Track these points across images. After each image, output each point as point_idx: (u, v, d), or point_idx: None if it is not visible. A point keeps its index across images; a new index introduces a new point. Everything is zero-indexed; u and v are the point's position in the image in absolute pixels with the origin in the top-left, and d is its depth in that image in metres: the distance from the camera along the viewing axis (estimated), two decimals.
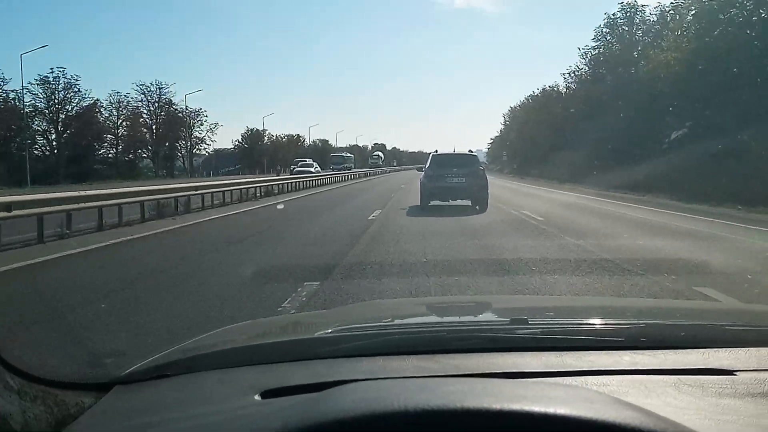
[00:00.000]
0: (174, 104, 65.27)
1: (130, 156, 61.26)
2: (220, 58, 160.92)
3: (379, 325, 1.51)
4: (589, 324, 1.43)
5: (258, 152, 79.50)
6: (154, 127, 65.40)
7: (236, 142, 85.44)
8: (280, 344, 1.36)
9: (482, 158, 20.31)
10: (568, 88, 52.82)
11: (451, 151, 18.73)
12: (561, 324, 1.48)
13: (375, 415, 0.66)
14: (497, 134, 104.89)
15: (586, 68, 47.75)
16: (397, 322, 1.65)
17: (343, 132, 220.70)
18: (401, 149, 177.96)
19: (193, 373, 1.14)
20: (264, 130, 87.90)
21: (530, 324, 1.35)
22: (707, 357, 1.14)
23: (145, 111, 64.78)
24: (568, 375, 1.05)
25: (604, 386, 0.98)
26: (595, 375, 1.04)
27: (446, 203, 15.31)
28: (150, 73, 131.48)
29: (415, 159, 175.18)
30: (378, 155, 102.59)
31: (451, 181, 15.84)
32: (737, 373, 1.06)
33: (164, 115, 65.26)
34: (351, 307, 3.21)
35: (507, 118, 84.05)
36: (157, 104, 64.65)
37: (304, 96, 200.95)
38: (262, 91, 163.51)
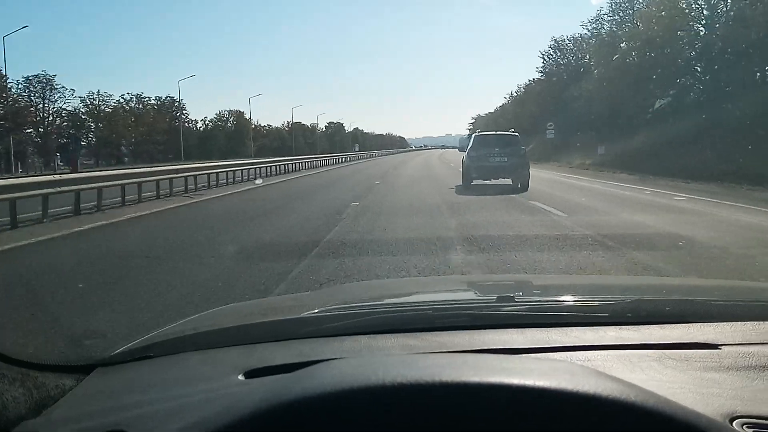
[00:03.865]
0: None
1: None
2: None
3: (364, 305, 1.59)
4: (576, 300, 1.54)
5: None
6: None
7: None
8: (264, 324, 1.43)
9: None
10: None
11: (493, 132, 21.96)
12: (547, 301, 1.59)
13: (353, 391, 0.71)
14: (502, 104, 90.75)
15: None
16: (382, 301, 1.74)
17: (261, 97, 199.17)
18: (366, 131, 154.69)
19: (176, 354, 1.21)
20: None
21: (517, 301, 1.46)
22: (692, 331, 1.23)
23: None
24: (553, 351, 1.13)
25: (589, 361, 1.06)
26: (581, 350, 1.12)
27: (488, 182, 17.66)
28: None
29: (383, 143, 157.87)
30: None
31: (494, 160, 18.04)
32: (722, 347, 1.15)
33: None
34: (336, 288, 3.42)
35: (547, 60, 62.31)
36: None
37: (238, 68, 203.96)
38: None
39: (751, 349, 1.14)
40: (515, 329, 1.23)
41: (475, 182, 17.83)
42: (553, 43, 59.82)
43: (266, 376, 1.00)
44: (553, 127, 49.27)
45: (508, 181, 17.43)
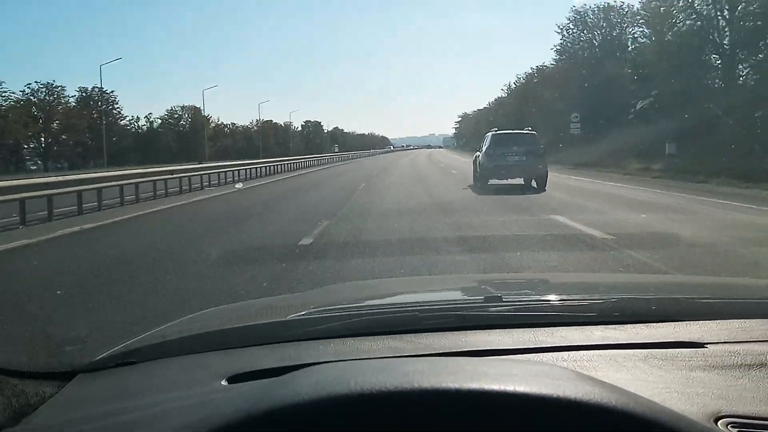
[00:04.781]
0: None
1: None
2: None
3: (351, 306, 1.66)
4: (562, 300, 1.61)
5: None
6: None
7: None
8: (249, 328, 1.48)
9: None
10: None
11: (510, 130, 22.34)
12: (534, 300, 1.65)
13: (332, 398, 0.74)
14: (498, 97, 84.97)
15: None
16: (369, 302, 1.79)
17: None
18: (346, 131, 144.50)
19: (160, 360, 1.27)
20: None
21: (504, 301, 1.53)
22: (678, 330, 1.30)
23: None
24: (539, 351, 1.19)
25: (575, 362, 1.12)
26: (566, 351, 1.17)
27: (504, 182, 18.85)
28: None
29: (365, 144, 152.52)
30: None
31: (512, 159, 18.56)
32: (707, 345, 1.21)
33: None
34: (323, 290, 3.30)
35: (566, 36, 52.49)
36: None
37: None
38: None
39: (737, 347, 1.20)
40: (502, 330, 1.30)
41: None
42: (572, 14, 47.62)
43: (249, 382, 1.04)
44: (578, 120, 40.17)
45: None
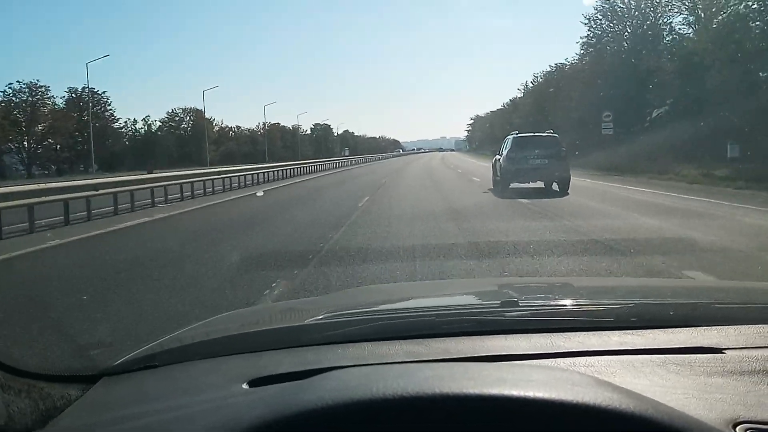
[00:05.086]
0: None
1: None
2: None
3: (369, 311, 1.68)
4: (579, 305, 1.62)
5: None
6: None
7: None
8: (269, 332, 1.52)
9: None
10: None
11: (532, 133, 22.67)
12: (551, 305, 1.67)
13: (354, 403, 0.75)
14: (514, 97, 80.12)
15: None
16: (386, 307, 1.80)
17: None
18: (357, 133, 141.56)
19: (182, 363, 1.31)
20: None
21: (520, 306, 1.54)
22: (696, 336, 1.31)
23: None
24: (556, 357, 1.21)
25: (592, 367, 1.13)
26: (584, 356, 1.19)
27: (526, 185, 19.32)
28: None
29: (377, 147, 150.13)
30: None
31: (534, 162, 18.59)
32: (726, 351, 1.22)
33: None
34: (341, 293, 3.45)
35: (594, 27, 46.74)
36: None
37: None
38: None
39: (756, 353, 1.21)
40: (519, 335, 1.33)
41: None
42: (600, 4, 42.82)
43: (270, 385, 1.07)
44: (610, 119, 37.02)
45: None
